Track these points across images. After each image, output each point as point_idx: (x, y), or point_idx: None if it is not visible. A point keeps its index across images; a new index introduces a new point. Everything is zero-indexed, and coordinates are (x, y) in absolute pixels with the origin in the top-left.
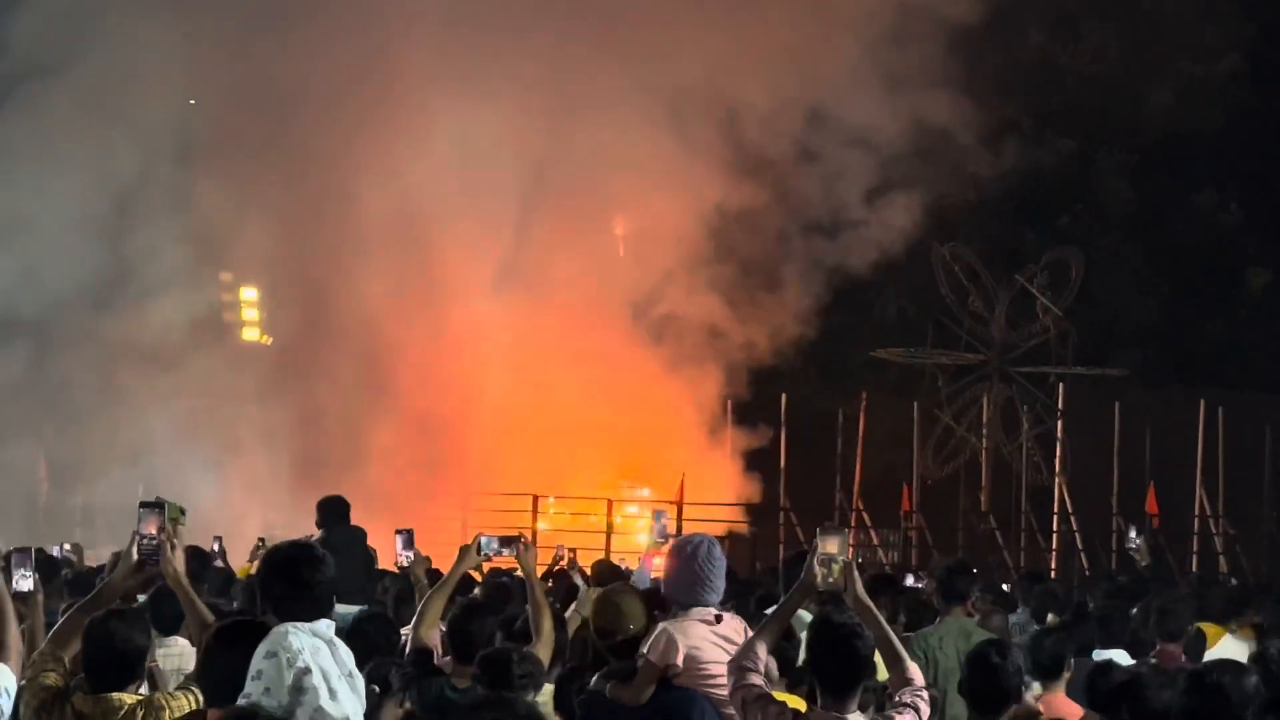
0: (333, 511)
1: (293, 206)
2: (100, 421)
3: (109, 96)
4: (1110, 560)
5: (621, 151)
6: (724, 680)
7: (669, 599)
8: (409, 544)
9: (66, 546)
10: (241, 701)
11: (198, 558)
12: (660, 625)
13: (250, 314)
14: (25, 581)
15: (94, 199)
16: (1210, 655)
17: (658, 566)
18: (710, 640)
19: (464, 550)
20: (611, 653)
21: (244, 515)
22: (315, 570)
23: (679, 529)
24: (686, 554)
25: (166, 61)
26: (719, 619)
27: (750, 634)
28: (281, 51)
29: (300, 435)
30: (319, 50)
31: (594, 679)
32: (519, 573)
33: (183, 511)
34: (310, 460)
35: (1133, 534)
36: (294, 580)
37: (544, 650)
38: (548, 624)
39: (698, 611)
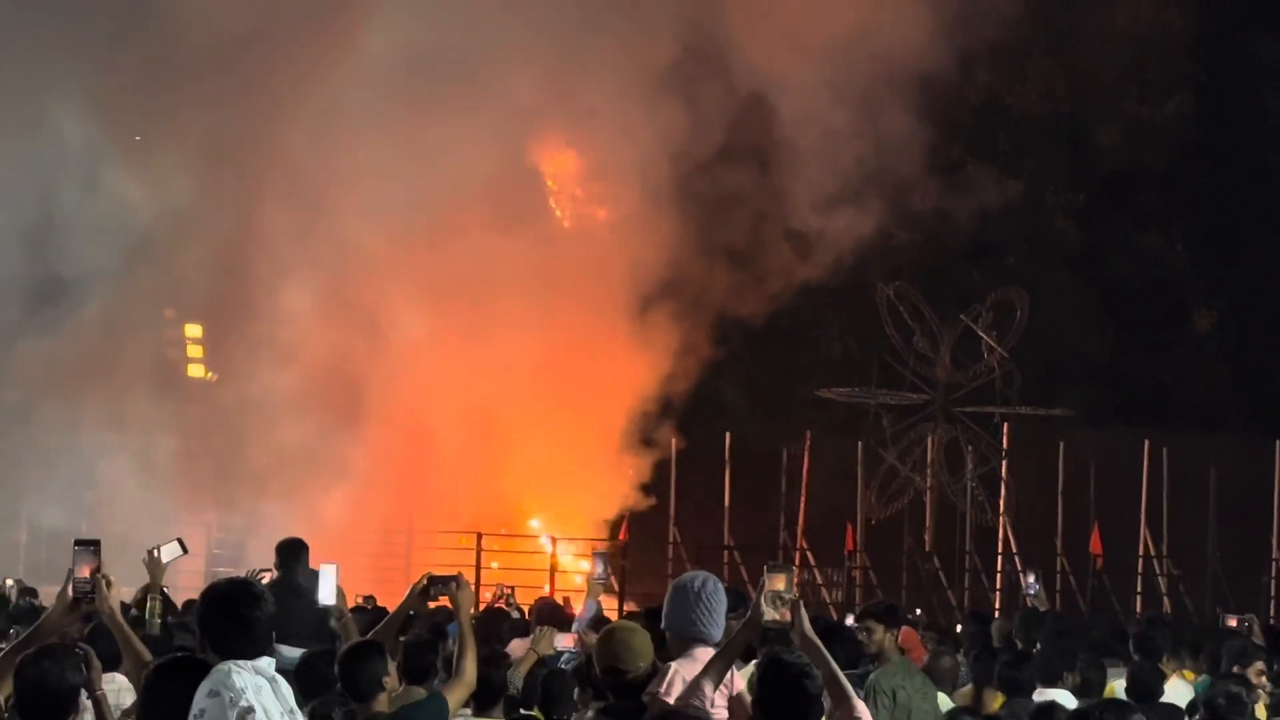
0: (291, 553)
1: (234, 238)
2: (40, 456)
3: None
4: (1056, 600)
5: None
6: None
7: (671, 634)
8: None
9: (10, 582)
10: None
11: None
12: (671, 665)
13: (194, 351)
14: None
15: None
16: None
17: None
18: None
19: (413, 589)
20: (616, 692)
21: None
22: (254, 607)
23: (621, 569)
24: (694, 590)
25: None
26: None
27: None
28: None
29: (241, 470)
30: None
31: (591, 713)
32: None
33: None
34: (252, 495)
35: (1031, 579)
36: (233, 617)
37: (459, 691)
38: (470, 665)
39: (702, 653)
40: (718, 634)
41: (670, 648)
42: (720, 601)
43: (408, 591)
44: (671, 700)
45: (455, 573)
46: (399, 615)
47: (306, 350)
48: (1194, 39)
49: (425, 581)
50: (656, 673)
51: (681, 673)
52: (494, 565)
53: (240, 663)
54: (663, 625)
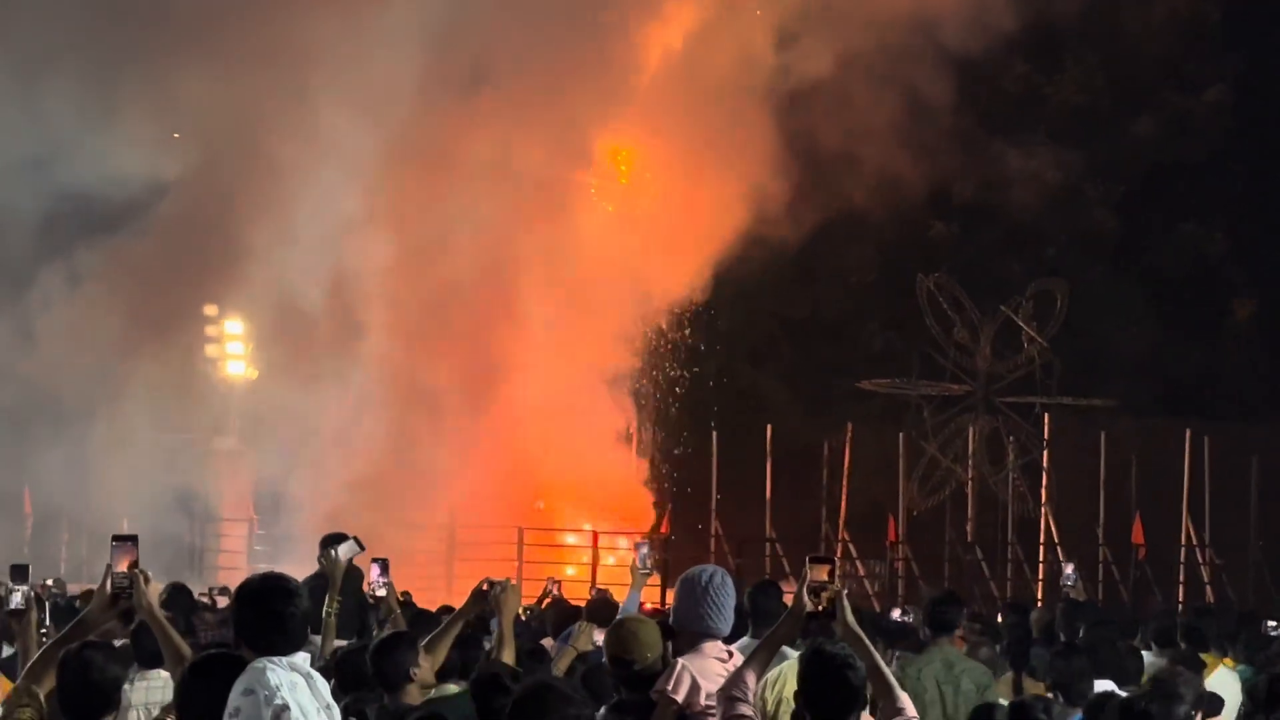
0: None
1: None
2: (80, 455)
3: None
4: (1098, 591)
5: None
6: None
7: (679, 628)
8: (384, 571)
9: (49, 581)
10: None
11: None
12: (678, 662)
13: (235, 348)
14: (19, 599)
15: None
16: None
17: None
18: (723, 677)
19: (474, 592)
20: (625, 683)
21: (231, 550)
22: (288, 603)
23: (663, 563)
24: (701, 584)
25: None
26: (731, 655)
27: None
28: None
29: (282, 467)
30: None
31: (603, 711)
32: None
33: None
34: (292, 494)
35: (1069, 570)
36: (266, 613)
37: None
38: (508, 661)
39: (710, 647)
40: (726, 628)
41: (679, 642)
42: (729, 595)
43: (469, 595)
44: (679, 698)
45: (505, 577)
46: (458, 618)
47: (343, 347)
48: (1231, 29)
49: (485, 585)
50: (666, 666)
51: (689, 668)
52: (577, 566)
53: (275, 659)
54: (670, 620)
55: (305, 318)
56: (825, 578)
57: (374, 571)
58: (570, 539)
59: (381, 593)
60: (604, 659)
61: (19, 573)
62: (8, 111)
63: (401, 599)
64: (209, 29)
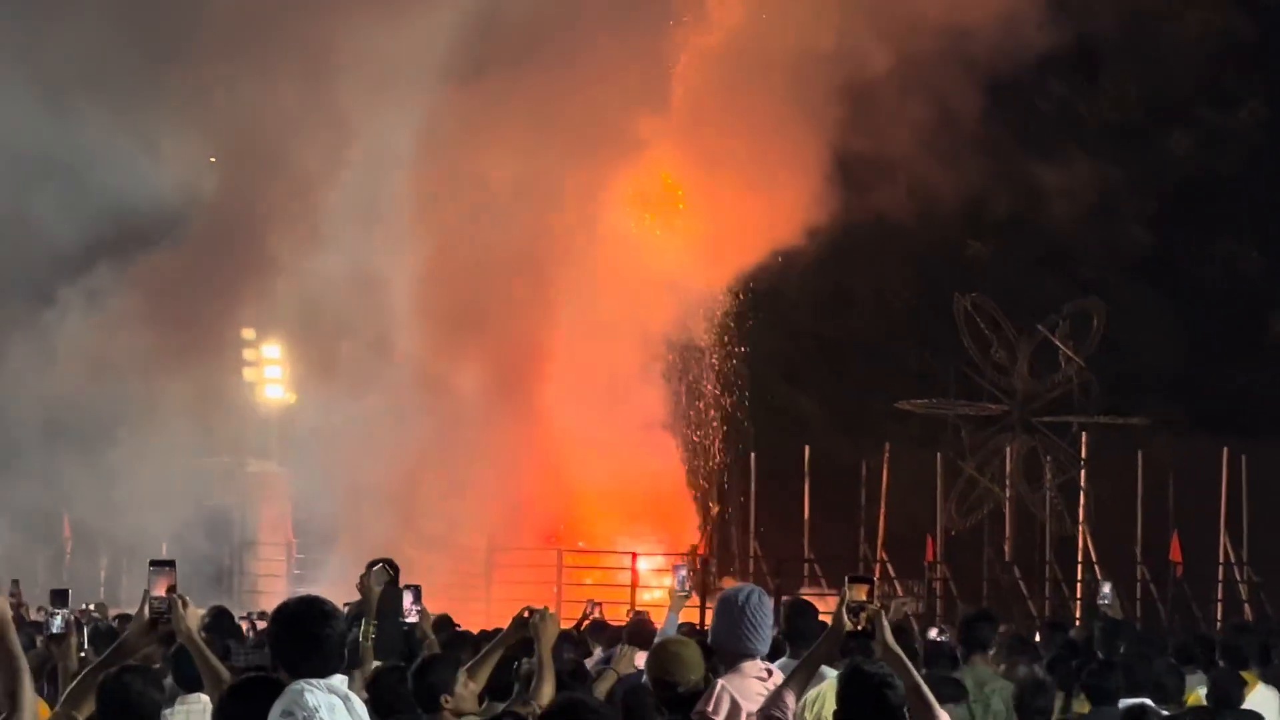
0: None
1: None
2: (117, 478)
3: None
4: (1136, 609)
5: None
6: None
7: (717, 649)
8: (417, 599)
9: (90, 606)
10: None
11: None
12: (719, 683)
13: (273, 371)
14: (59, 623)
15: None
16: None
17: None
18: (763, 696)
19: (514, 620)
20: (669, 705)
21: (269, 574)
22: (324, 625)
23: (703, 583)
24: (739, 604)
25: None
26: (770, 674)
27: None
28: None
29: (320, 488)
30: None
31: None
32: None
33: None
34: (330, 516)
35: (1106, 589)
36: (304, 636)
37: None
38: (547, 692)
39: (750, 667)
40: (764, 648)
41: (718, 662)
42: (766, 615)
43: (510, 622)
44: (719, 718)
45: (544, 605)
46: (499, 645)
47: (377, 365)
48: (1266, 44)
49: (526, 613)
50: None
51: (729, 689)
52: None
53: (313, 681)
54: (710, 640)
55: (339, 334)
56: (864, 597)
57: (407, 599)
58: (611, 557)
59: (414, 619)
60: (645, 680)
61: (59, 597)
62: (39, 130)
63: (438, 620)
64: (239, 41)
